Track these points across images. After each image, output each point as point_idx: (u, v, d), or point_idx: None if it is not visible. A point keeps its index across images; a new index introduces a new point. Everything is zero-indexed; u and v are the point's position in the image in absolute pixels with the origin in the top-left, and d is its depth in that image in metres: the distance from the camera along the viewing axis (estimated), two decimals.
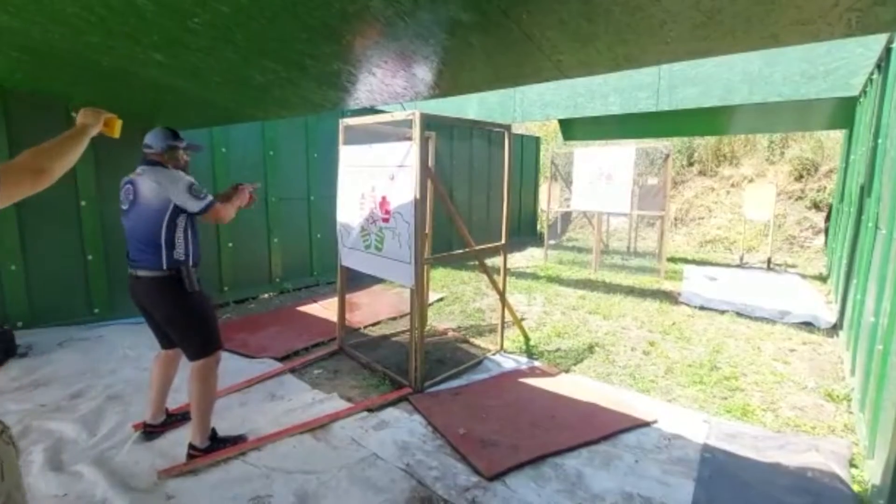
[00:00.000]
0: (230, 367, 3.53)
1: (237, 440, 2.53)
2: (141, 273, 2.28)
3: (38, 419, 2.72)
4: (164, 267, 2.26)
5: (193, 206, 2.30)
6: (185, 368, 2.45)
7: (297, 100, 2.85)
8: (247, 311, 5.09)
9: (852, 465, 2.44)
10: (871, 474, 2.28)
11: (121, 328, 4.27)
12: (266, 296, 5.65)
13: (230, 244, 5.27)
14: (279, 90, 2.64)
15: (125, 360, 3.59)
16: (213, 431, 2.46)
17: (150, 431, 2.61)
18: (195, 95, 3.01)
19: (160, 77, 2.68)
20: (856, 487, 2.25)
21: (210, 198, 2.36)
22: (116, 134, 1.72)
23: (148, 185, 2.28)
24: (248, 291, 5.50)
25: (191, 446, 2.39)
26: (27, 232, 3.99)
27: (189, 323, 2.33)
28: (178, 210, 2.29)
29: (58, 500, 2.09)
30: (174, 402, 2.94)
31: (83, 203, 4.23)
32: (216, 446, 2.43)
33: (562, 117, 6.82)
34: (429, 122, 3.10)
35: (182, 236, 2.33)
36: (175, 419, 2.71)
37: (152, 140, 2.42)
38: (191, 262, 2.35)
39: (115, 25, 1.97)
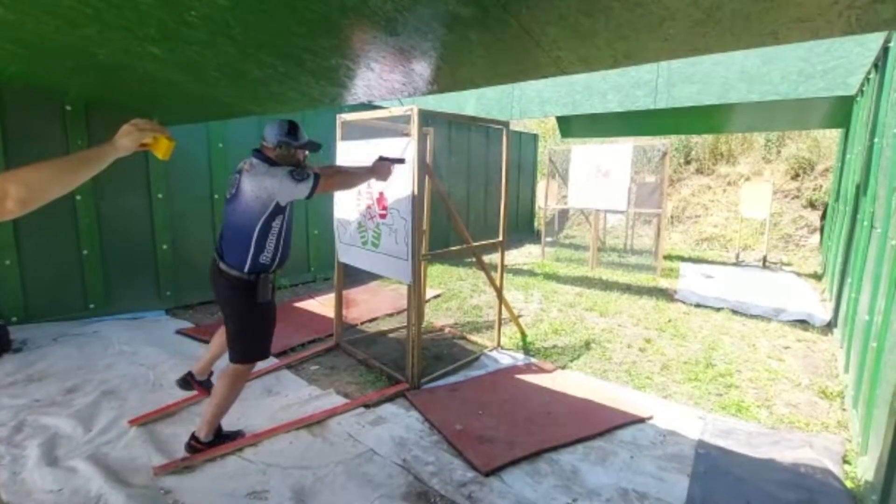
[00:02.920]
0: (225, 362, 3.52)
1: (236, 435, 2.53)
2: (223, 267, 2.28)
3: (33, 414, 2.71)
4: (245, 271, 2.24)
5: (303, 191, 2.24)
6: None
7: (294, 95, 2.84)
8: None
9: (845, 461, 2.46)
10: (863, 471, 2.30)
11: (116, 323, 4.25)
12: None
13: None
14: (277, 85, 2.63)
15: (121, 356, 3.58)
16: (219, 428, 2.47)
17: (187, 380, 2.68)
18: (192, 90, 2.99)
19: (157, 71, 2.66)
20: (849, 483, 2.27)
21: (311, 175, 2.27)
22: (161, 155, 1.47)
23: (250, 182, 2.21)
24: None
25: (194, 437, 2.37)
26: (22, 226, 3.96)
27: (245, 328, 2.33)
28: (277, 212, 2.22)
29: (53, 496, 2.09)
30: (171, 397, 2.94)
31: (78, 197, 4.20)
32: (217, 442, 2.43)
33: (560, 114, 6.81)
34: (427, 118, 3.10)
35: (274, 240, 2.28)
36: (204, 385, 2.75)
37: (267, 132, 2.36)
38: (273, 267, 2.33)
39: (111, 18, 1.95)
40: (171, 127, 5.05)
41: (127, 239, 4.53)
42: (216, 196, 5.10)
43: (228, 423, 2.64)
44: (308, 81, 2.51)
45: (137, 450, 2.43)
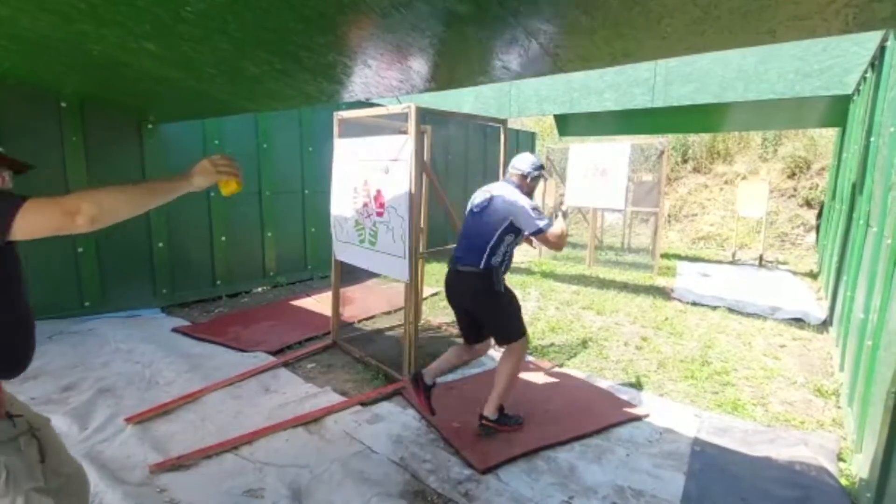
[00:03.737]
0: (222, 360, 3.52)
1: (516, 421, 2.70)
2: (462, 268, 2.65)
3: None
4: (481, 267, 2.59)
5: (530, 226, 2.55)
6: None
7: (291, 92, 2.83)
8: (240, 305, 5.07)
9: (840, 459, 2.47)
10: (858, 468, 2.31)
11: (112, 321, 4.24)
12: (259, 290, 5.63)
13: (223, 238, 5.23)
14: (273, 82, 2.62)
15: (117, 354, 3.56)
16: (501, 407, 2.65)
17: (417, 380, 2.71)
18: (188, 86, 2.97)
19: (153, 67, 2.64)
20: (843, 481, 2.28)
21: (546, 221, 2.57)
22: (225, 194, 1.49)
23: (501, 201, 2.63)
24: (241, 285, 5.47)
25: (483, 417, 2.62)
26: None
27: (500, 313, 2.65)
28: (510, 229, 2.59)
29: None
30: (167, 395, 2.93)
31: None
32: (503, 421, 2.64)
33: (557, 112, 6.81)
34: (424, 116, 3.09)
35: (503, 251, 2.63)
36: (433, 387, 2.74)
37: (521, 163, 2.77)
38: (502, 270, 2.66)
39: (106, 14, 1.94)
40: (167, 124, 5.07)
41: (122, 236, 4.50)
42: (212, 194, 5.08)
43: (224, 422, 2.65)
44: (305, 78, 2.50)
45: (133, 448, 2.42)
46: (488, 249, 2.59)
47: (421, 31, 1.74)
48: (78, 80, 3.68)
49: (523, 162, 2.76)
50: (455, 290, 2.73)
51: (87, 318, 4.22)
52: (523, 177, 2.74)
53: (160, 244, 4.72)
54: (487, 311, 2.65)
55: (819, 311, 4.88)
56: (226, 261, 5.30)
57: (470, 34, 1.74)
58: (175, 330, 4.14)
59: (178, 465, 2.28)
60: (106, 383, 3.09)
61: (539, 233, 2.54)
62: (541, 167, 2.75)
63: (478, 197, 2.81)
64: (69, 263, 4.22)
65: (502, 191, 2.69)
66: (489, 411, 2.62)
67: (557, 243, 2.59)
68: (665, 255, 7.98)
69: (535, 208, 2.59)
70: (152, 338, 3.90)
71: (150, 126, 4.56)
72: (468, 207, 2.84)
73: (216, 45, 2.14)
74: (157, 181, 1.35)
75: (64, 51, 2.65)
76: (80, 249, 4.24)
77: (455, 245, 2.84)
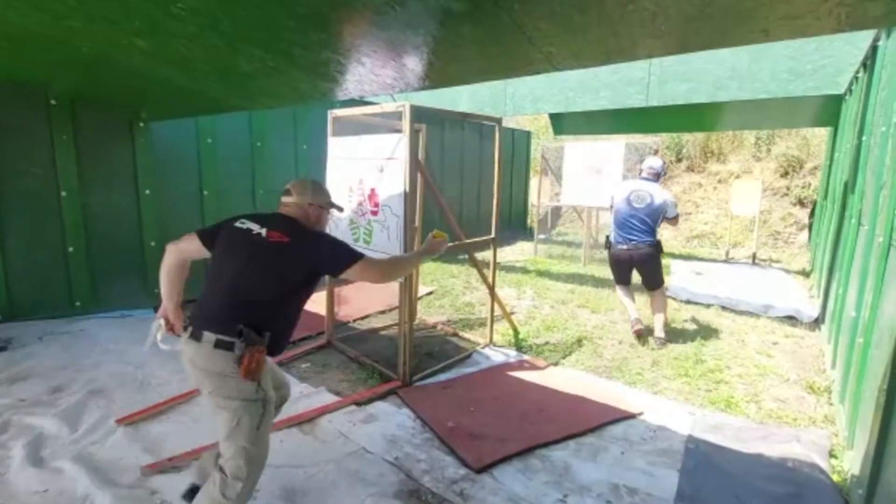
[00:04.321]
0: None
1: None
2: (641, 246, 4.07)
3: (18, 414, 2.67)
4: (653, 242, 4.08)
5: (672, 213, 4.11)
6: None
7: (284, 89, 2.81)
8: None
9: (832, 455, 2.49)
10: (850, 465, 2.33)
11: (103, 321, 4.20)
12: None
13: None
14: (266, 79, 2.60)
15: (108, 354, 3.53)
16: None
17: (639, 333, 4.11)
18: (180, 84, 2.94)
19: (144, 65, 2.61)
20: (835, 477, 2.29)
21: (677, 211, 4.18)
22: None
23: (661, 198, 4.07)
24: None
25: (658, 338, 4.00)
26: (5, 223, 3.89)
27: (658, 268, 4.16)
28: (662, 213, 4.07)
29: (38, 497, 2.06)
30: (160, 396, 2.91)
31: (64, 193, 4.13)
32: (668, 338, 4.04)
33: (553, 111, 6.81)
34: (419, 114, 3.07)
35: (658, 228, 4.14)
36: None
37: (655, 164, 4.25)
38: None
39: (96, 10, 1.91)
40: (159, 122, 5.01)
41: (114, 236, 4.46)
42: (205, 192, 5.04)
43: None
44: (298, 76, 2.48)
45: (124, 449, 2.40)
46: (654, 230, 4.06)
47: (415, 28, 1.73)
48: (68, 78, 3.64)
49: (656, 162, 4.25)
50: (633, 258, 4.11)
51: (77, 319, 4.18)
52: (658, 175, 4.21)
53: (152, 243, 4.67)
54: (655, 267, 4.12)
55: (811, 309, 4.91)
56: None
57: (465, 32, 1.73)
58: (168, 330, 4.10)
59: (170, 466, 2.26)
60: (97, 384, 3.06)
61: (676, 217, 4.14)
62: (665, 164, 4.31)
63: (635, 197, 4.10)
64: (59, 263, 4.17)
65: (653, 189, 4.10)
66: (662, 332, 4.02)
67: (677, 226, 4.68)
68: None
69: (674, 203, 4.15)
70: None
71: (141, 124, 4.51)
72: (623, 200, 4.13)
73: (208, 42, 2.12)
74: (420, 253, 2.31)
75: (53, 48, 2.62)
76: (70, 249, 4.20)
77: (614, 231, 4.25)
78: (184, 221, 4.95)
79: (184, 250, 2.01)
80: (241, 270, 1.77)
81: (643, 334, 4.09)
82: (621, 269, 4.29)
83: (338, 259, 1.84)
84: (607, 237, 4.36)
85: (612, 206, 4.31)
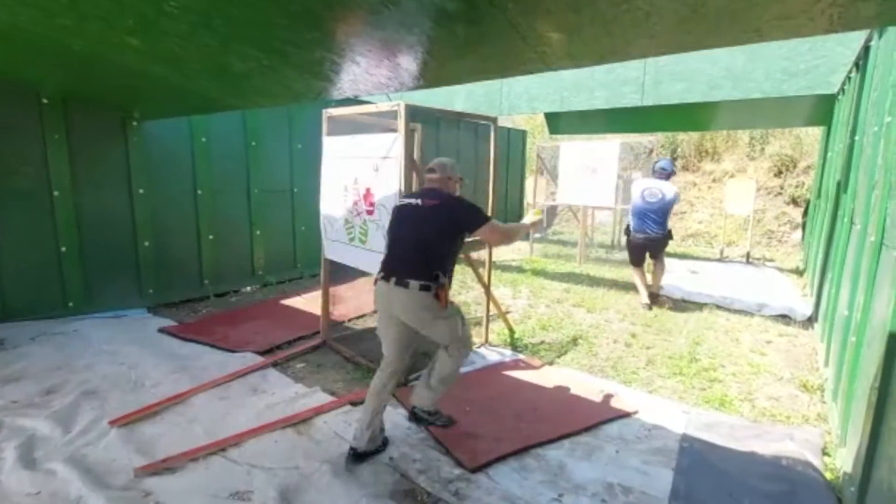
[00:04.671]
0: (210, 361, 3.48)
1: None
2: (653, 234, 4.98)
3: (11, 416, 2.65)
4: (664, 231, 5.03)
5: (677, 203, 5.14)
6: None
7: (278, 89, 2.80)
8: (228, 305, 5.01)
9: (825, 453, 2.51)
10: (842, 462, 2.34)
11: (97, 322, 4.17)
12: (248, 289, 5.57)
13: (210, 236, 5.17)
14: (260, 78, 2.58)
15: (101, 355, 3.50)
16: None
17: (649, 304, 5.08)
18: (173, 83, 2.93)
19: (136, 63, 2.60)
20: (828, 475, 2.31)
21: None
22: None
23: (670, 190, 4.99)
24: (229, 285, 5.41)
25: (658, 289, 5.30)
26: None
27: (661, 249, 5.17)
28: (672, 206, 5.04)
29: (31, 499, 2.04)
30: (153, 397, 2.89)
31: (56, 193, 4.10)
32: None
33: (548, 111, 6.83)
34: (414, 114, 3.07)
35: (668, 219, 5.05)
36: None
37: (666, 165, 5.19)
38: None
39: (88, 8, 1.90)
40: (152, 121, 4.97)
41: (107, 235, 4.43)
42: (200, 192, 5.02)
43: (212, 423, 2.61)
44: (292, 75, 2.47)
45: (118, 451, 2.38)
46: (667, 221, 4.99)
47: (409, 28, 1.73)
48: (59, 76, 3.61)
49: (667, 164, 5.19)
50: (646, 244, 5.04)
51: (71, 319, 4.15)
52: (668, 175, 5.12)
53: (146, 243, 4.65)
54: (661, 248, 5.09)
55: (805, 308, 4.95)
56: (214, 260, 5.24)
57: (459, 31, 1.73)
58: (161, 330, 4.08)
59: (163, 467, 2.25)
60: (90, 385, 3.04)
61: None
62: (672, 165, 5.28)
63: (648, 193, 4.99)
64: (52, 263, 4.14)
65: (664, 186, 4.97)
66: (656, 288, 5.27)
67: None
68: None
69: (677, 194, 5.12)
70: (138, 339, 3.85)
71: (135, 123, 4.48)
72: (639, 196, 5.04)
73: (201, 41, 2.10)
74: (524, 226, 2.99)
75: (45, 46, 2.60)
76: (63, 249, 4.16)
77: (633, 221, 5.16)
78: (178, 221, 4.94)
79: None
80: (416, 234, 2.38)
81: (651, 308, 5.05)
82: (637, 253, 5.15)
83: (473, 218, 2.41)
84: (628, 225, 5.26)
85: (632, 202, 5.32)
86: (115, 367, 3.31)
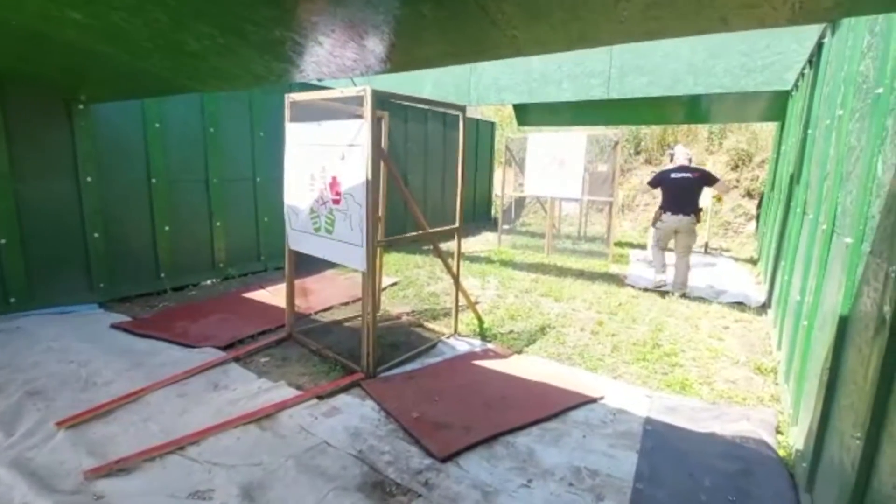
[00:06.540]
0: (167, 357, 3.32)
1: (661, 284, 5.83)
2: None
3: None
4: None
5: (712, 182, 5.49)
6: None
7: (237, 70, 2.66)
8: (187, 299, 4.81)
9: (778, 431, 2.63)
10: (794, 440, 2.46)
11: (42, 318, 3.91)
12: (209, 282, 5.36)
13: (166, 227, 4.92)
14: (217, 58, 2.45)
15: (49, 353, 3.29)
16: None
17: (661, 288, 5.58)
18: (122, 63, 2.74)
19: (79, 40, 2.41)
20: (781, 452, 2.42)
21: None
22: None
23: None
24: (188, 278, 5.18)
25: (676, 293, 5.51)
26: None
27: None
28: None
29: None
30: (106, 395, 2.73)
31: None
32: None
33: (517, 102, 6.84)
34: (381, 100, 2.99)
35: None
36: None
37: (687, 151, 5.58)
38: None
39: None
40: (101, 104, 4.67)
41: (52, 226, 4.15)
42: (154, 180, 4.76)
43: (169, 422, 2.50)
44: (251, 56, 2.35)
45: (66, 453, 2.24)
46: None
47: (375, 6, 1.66)
48: None
49: (688, 152, 5.57)
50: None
51: (13, 316, 3.88)
52: (689, 159, 5.49)
53: (95, 234, 4.38)
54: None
55: (759, 295, 5.18)
56: (170, 252, 5.00)
57: (426, 12, 1.68)
58: (114, 326, 3.87)
59: (116, 469, 2.13)
60: (36, 385, 2.85)
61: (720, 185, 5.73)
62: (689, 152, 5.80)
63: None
64: None
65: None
66: (682, 291, 5.39)
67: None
68: (619, 244, 8.24)
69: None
70: (89, 335, 3.64)
71: (81, 106, 4.19)
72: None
73: (150, 16, 1.97)
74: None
75: None
76: (2, 241, 3.87)
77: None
78: (131, 211, 4.68)
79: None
80: (687, 193, 5.16)
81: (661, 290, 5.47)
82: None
83: (711, 179, 5.23)
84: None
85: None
86: (64, 366, 3.12)
